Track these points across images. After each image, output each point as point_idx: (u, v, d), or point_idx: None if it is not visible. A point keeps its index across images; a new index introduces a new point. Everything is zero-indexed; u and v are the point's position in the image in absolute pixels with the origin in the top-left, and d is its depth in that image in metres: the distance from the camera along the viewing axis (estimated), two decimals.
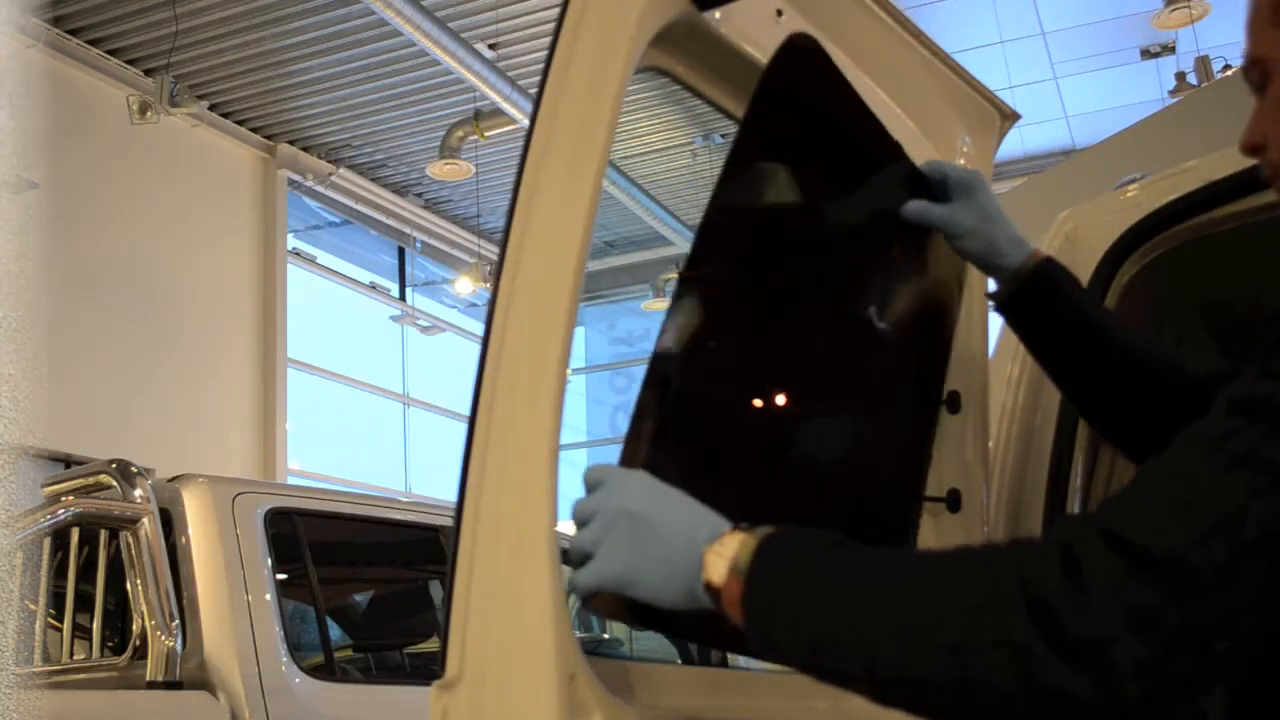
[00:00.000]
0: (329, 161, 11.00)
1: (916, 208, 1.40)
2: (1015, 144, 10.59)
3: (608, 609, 1.06)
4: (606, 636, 5.23)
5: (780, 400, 1.39)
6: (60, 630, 3.30)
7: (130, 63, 9.13)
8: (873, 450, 1.55)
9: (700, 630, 1.14)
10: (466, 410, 1.01)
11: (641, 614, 1.04)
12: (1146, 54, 9.79)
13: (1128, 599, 0.74)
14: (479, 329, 1.12)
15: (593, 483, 1.02)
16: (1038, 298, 1.39)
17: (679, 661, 4.33)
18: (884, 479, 1.55)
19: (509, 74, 9.20)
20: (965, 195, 1.39)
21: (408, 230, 12.29)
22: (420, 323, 12.70)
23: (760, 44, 1.25)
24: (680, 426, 1.20)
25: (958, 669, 0.79)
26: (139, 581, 2.97)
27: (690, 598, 0.95)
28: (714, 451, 1.26)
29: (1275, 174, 1.00)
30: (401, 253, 12.65)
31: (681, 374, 1.21)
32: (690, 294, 1.21)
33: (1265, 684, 0.82)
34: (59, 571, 3.30)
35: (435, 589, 4.13)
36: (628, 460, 1.09)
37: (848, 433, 1.51)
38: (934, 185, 1.41)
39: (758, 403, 1.36)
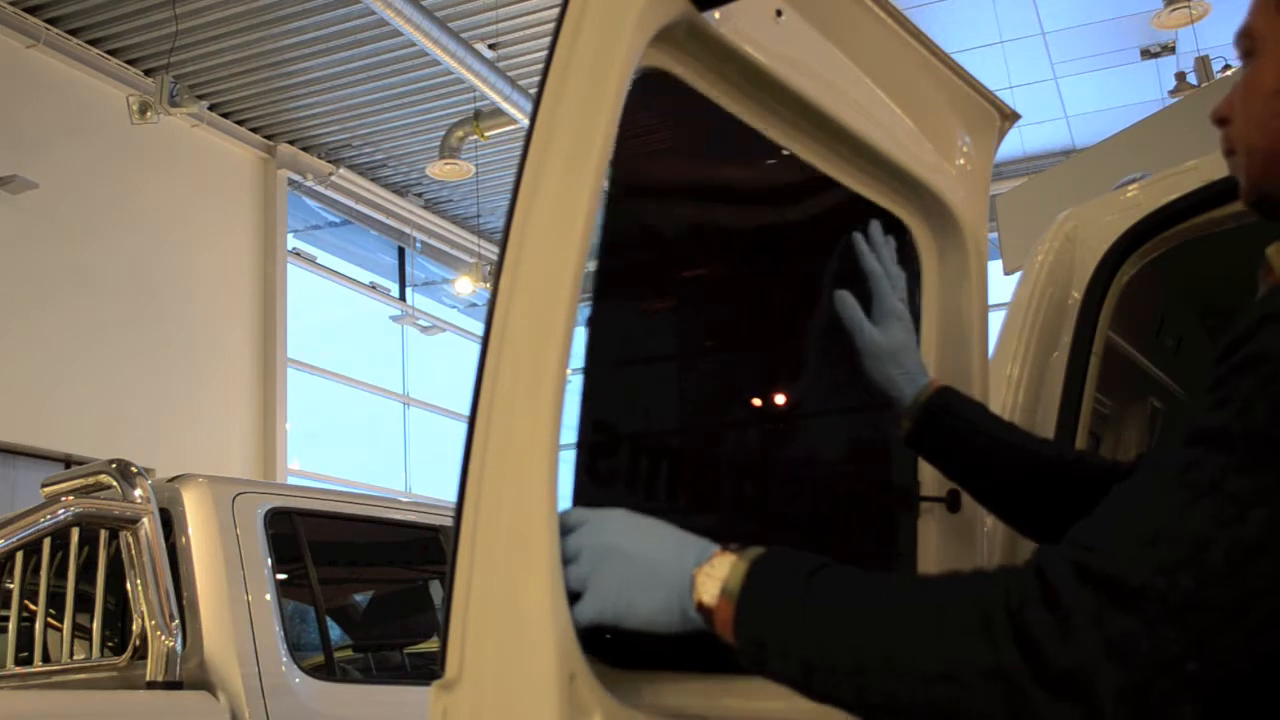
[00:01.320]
0: (329, 161, 11.00)
1: (846, 307, 1.43)
2: (1015, 144, 10.60)
3: (611, 648, 1.07)
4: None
5: (731, 419, 1.41)
6: (60, 630, 3.29)
7: (130, 63, 9.13)
8: (835, 455, 1.56)
9: (701, 662, 1.14)
10: (466, 410, 1.01)
11: (643, 650, 1.04)
12: (1146, 54, 9.79)
13: (1106, 630, 0.76)
14: (479, 329, 1.12)
15: (572, 524, 1.02)
16: (940, 427, 1.41)
17: None
18: (858, 482, 1.56)
19: (509, 74, 9.20)
20: (884, 322, 1.43)
21: (408, 230, 12.29)
22: (420, 323, 12.70)
23: (760, 44, 1.25)
24: (633, 457, 1.21)
25: (946, 697, 0.81)
26: (139, 581, 2.96)
27: (684, 619, 0.96)
28: (672, 476, 1.27)
29: (1230, 149, 1.04)
30: (401, 253, 12.65)
31: (623, 403, 1.22)
32: (614, 316, 1.22)
33: (1244, 697, 0.83)
34: (59, 571, 3.29)
35: (435, 589, 4.12)
36: (588, 500, 1.09)
37: (807, 443, 1.52)
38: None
39: (708, 425, 1.36)
